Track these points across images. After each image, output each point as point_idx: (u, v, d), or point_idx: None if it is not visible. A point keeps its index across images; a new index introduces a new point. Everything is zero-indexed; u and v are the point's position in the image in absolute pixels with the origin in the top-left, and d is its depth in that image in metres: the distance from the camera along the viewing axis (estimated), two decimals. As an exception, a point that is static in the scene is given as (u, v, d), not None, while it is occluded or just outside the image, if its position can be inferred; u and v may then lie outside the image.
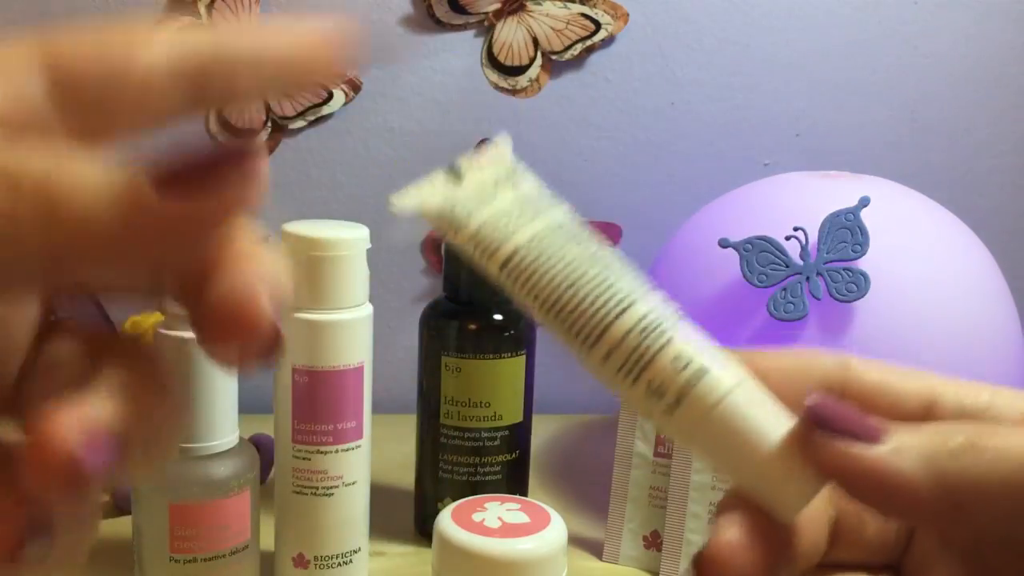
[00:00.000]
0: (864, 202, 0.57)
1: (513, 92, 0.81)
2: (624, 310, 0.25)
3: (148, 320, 0.68)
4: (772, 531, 0.24)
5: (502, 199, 0.27)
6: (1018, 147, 0.87)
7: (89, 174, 0.17)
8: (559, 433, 0.79)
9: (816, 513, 0.26)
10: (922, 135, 0.86)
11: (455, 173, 0.28)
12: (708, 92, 0.83)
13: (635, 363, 0.25)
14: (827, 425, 0.23)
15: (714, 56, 0.82)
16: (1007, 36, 0.85)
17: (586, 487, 0.70)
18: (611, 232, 0.83)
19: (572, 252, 0.26)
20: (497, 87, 0.81)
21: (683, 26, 0.82)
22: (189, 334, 0.47)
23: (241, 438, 0.50)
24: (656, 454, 0.60)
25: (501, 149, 0.29)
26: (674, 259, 0.64)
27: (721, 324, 0.58)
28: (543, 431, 0.74)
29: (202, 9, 0.76)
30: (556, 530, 0.49)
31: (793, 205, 0.60)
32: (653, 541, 0.60)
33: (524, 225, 0.26)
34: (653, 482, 0.60)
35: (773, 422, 0.24)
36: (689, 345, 0.25)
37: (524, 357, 0.61)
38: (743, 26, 0.82)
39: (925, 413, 0.25)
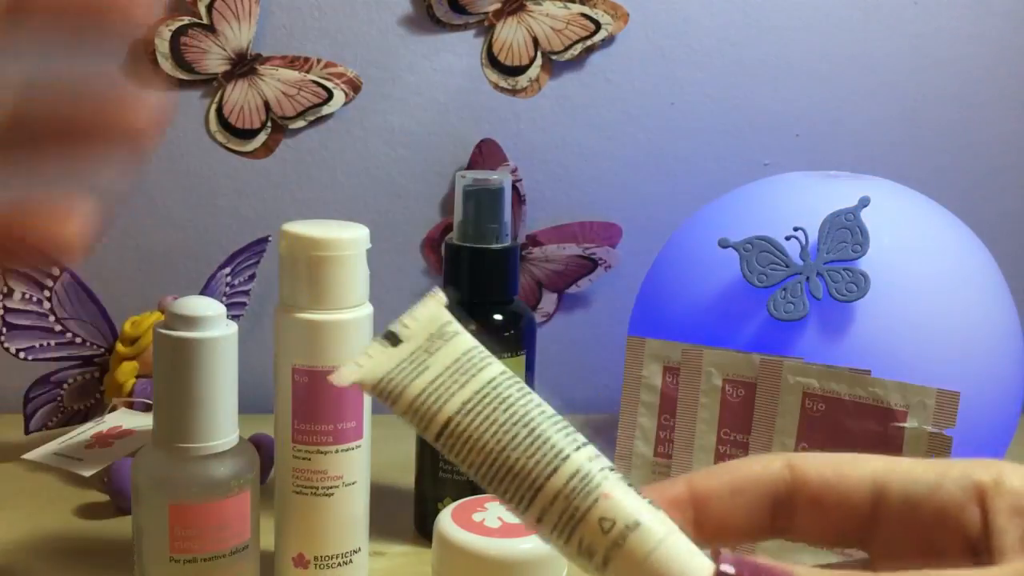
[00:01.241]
0: (864, 202, 0.57)
1: (513, 92, 0.81)
2: (552, 473, 0.26)
3: (148, 319, 0.68)
4: None
5: (436, 363, 0.28)
6: (1019, 147, 0.87)
7: None
8: (559, 433, 0.79)
9: (751, 495, 0.27)
10: (922, 135, 0.86)
11: (392, 338, 0.29)
12: (708, 92, 0.83)
13: (565, 524, 0.26)
14: None
15: (714, 56, 0.82)
16: (1007, 36, 0.85)
17: (586, 487, 0.69)
18: (611, 232, 0.83)
19: (501, 417, 0.27)
20: (497, 87, 0.81)
21: (683, 26, 0.82)
22: (189, 333, 0.47)
23: (241, 438, 0.50)
24: (656, 454, 0.60)
25: (435, 303, 0.30)
26: (674, 259, 0.64)
27: (721, 324, 0.58)
28: (543, 431, 0.74)
29: (202, 9, 0.76)
30: (556, 530, 0.49)
31: (793, 205, 0.60)
32: (653, 541, 0.60)
33: (456, 392, 0.28)
34: (653, 482, 0.60)
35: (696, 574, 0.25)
36: (614, 504, 0.26)
37: (524, 357, 0.61)
38: (743, 26, 0.82)
39: (873, 507, 0.26)
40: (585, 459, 0.27)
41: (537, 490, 0.26)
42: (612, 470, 0.27)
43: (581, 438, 0.27)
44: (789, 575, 0.25)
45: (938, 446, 0.52)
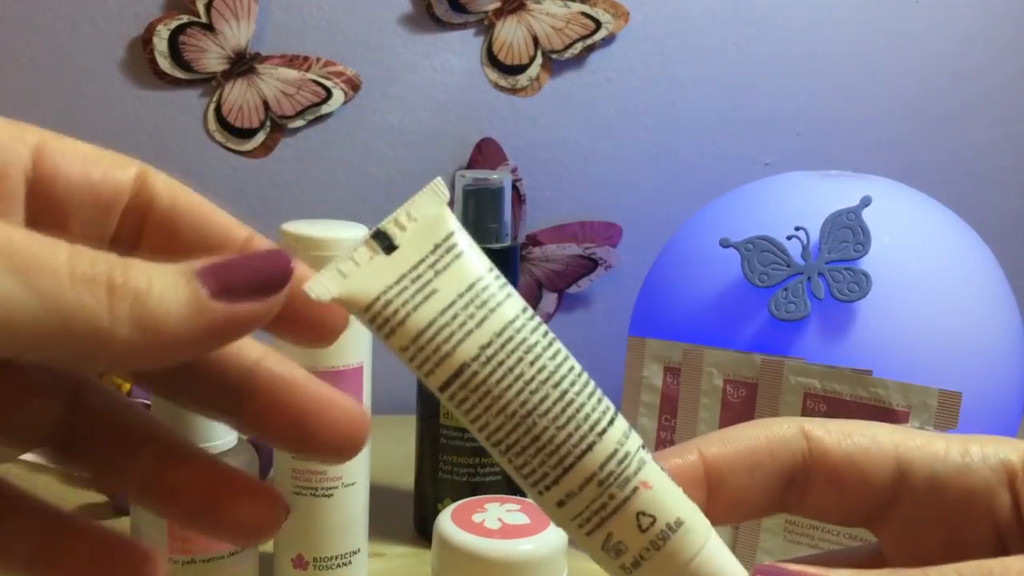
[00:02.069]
0: (866, 202, 0.56)
1: (513, 91, 0.81)
2: (586, 451, 0.22)
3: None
4: None
5: (445, 286, 0.22)
6: (1020, 146, 0.87)
7: (175, 288, 0.19)
8: (559, 433, 0.79)
9: (766, 471, 0.25)
10: (924, 134, 0.85)
11: (383, 241, 0.22)
12: (708, 91, 0.83)
13: (594, 514, 0.22)
14: None
15: (715, 55, 0.82)
16: (1009, 35, 0.85)
17: (586, 488, 0.69)
18: (611, 232, 0.83)
19: (527, 372, 0.22)
20: (497, 86, 0.81)
21: (684, 25, 0.81)
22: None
23: (240, 438, 0.50)
24: (657, 455, 0.60)
25: (436, 199, 0.23)
26: (675, 259, 0.64)
27: (722, 324, 0.58)
28: (543, 431, 0.74)
29: (200, 7, 0.76)
30: (556, 531, 0.49)
31: (794, 205, 0.60)
32: (654, 542, 0.60)
33: (473, 331, 0.22)
34: (654, 483, 0.60)
35: None
36: (655, 497, 0.22)
37: (524, 357, 0.60)
38: (744, 25, 0.82)
39: (897, 486, 0.24)
40: (621, 435, 0.22)
41: (565, 470, 0.22)
42: (645, 448, 0.23)
43: (611, 405, 0.23)
44: None
45: (940, 447, 0.51)
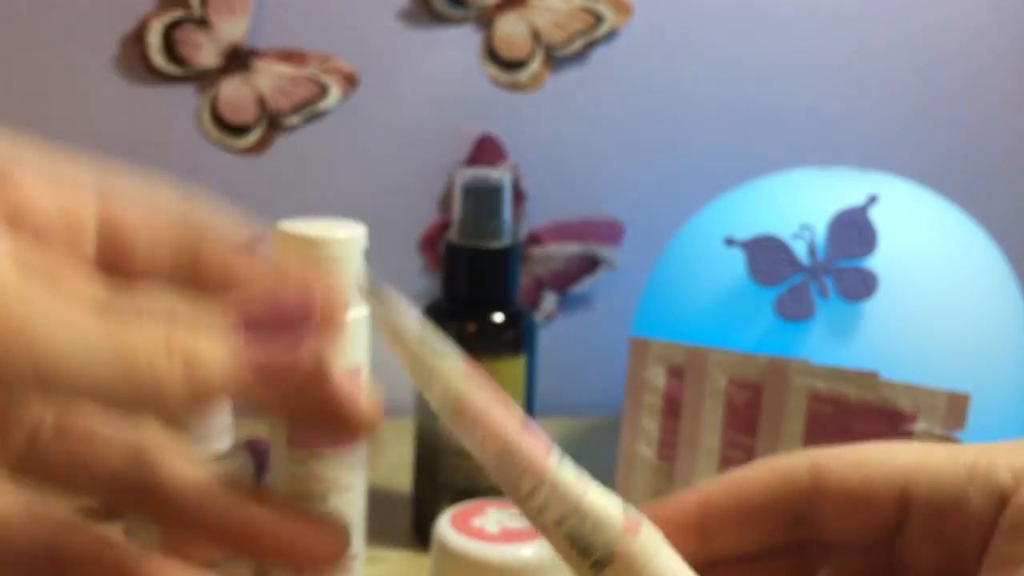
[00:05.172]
0: (873, 200, 0.56)
1: (513, 87, 0.80)
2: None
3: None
4: None
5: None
6: (1026, 144, 0.86)
7: (217, 344, 0.21)
8: (560, 435, 0.78)
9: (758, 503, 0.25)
10: (932, 132, 0.85)
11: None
12: (712, 88, 0.82)
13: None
14: None
15: (719, 51, 0.81)
16: (1020, 30, 0.84)
17: (588, 490, 0.68)
18: (613, 231, 0.82)
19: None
20: (497, 82, 0.80)
21: (687, 20, 0.81)
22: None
23: (235, 441, 0.49)
24: (659, 457, 0.59)
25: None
26: (678, 258, 0.63)
27: (726, 325, 0.57)
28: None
29: (195, 2, 0.75)
30: (558, 536, 0.48)
31: (800, 203, 0.59)
32: (656, 546, 0.59)
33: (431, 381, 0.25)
34: (656, 485, 0.59)
35: None
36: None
37: (524, 358, 0.60)
38: (748, 20, 0.81)
39: (901, 513, 0.24)
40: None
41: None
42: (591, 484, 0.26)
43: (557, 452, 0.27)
44: None
45: (949, 450, 0.50)
